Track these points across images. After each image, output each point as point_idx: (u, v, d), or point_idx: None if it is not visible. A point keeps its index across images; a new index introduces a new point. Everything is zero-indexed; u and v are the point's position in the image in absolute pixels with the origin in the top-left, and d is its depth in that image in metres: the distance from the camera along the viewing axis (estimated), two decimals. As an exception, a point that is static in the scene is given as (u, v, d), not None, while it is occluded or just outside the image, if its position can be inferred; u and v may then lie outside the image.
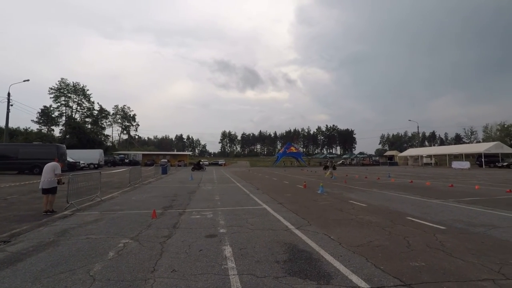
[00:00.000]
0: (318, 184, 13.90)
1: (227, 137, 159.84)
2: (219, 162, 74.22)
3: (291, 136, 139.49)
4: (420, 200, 10.29)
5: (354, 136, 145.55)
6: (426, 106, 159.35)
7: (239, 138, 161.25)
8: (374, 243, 5.06)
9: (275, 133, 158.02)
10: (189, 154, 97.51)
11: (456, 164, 44.05)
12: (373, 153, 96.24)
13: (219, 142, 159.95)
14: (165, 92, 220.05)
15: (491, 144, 49.39)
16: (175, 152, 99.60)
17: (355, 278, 3.55)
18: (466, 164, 42.58)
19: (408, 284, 3.39)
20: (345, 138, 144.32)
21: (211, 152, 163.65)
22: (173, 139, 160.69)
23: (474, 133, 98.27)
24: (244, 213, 7.93)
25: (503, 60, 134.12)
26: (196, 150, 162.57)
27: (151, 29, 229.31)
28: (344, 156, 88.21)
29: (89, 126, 77.32)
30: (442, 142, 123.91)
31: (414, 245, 4.92)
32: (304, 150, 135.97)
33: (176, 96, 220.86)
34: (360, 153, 79.68)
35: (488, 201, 9.86)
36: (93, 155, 40.26)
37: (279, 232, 5.87)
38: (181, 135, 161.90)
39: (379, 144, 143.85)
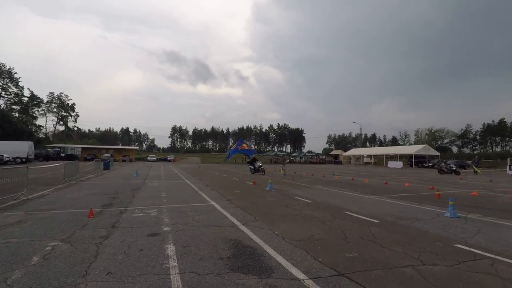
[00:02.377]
0: (267, 181, 14.20)
1: (178, 132, 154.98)
2: (168, 158, 71.75)
3: (244, 133, 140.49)
4: (358, 196, 11.11)
5: (303, 135, 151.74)
6: (369, 110, 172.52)
7: (190, 133, 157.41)
8: (315, 236, 5.33)
9: (227, 130, 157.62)
10: (136, 149, 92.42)
11: (391, 164, 48.49)
12: (321, 152, 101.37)
13: (169, 137, 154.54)
14: (110, 81, 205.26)
15: (420, 146, 55.47)
16: (120, 147, 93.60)
17: (294, 271, 3.69)
18: (399, 164, 47.13)
19: (342, 273, 3.63)
20: (296, 137, 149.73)
21: (160, 147, 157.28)
22: (118, 133, 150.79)
23: (408, 136, 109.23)
24: (191, 210, 7.76)
25: (430, 72, 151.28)
26: (144, 145, 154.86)
27: (98, 11, 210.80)
28: (294, 154, 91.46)
29: (17, 115, 68.61)
30: (381, 144, 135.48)
31: (350, 237, 5.29)
32: (256, 147, 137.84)
33: (123, 86, 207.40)
34: (309, 152, 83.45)
35: (415, 197, 11.02)
36: (21, 148, 35.70)
37: (225, 228, 5.85)
38: (128, 128, 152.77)
39: (326, 143, 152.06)
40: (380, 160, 62.36)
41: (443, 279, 3.48)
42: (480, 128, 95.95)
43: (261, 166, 23.68)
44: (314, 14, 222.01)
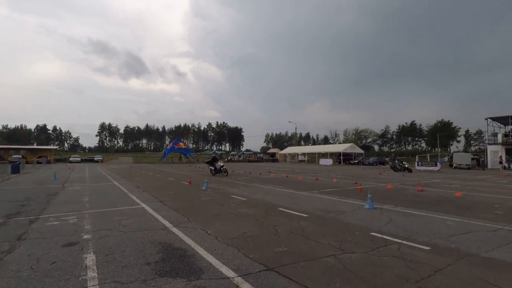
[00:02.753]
0: (203, 180, 13.96)
1: (107, 130, 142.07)
2: (95, 158, 65.33)
3: (181, 132, 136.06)
4: (292, 193, 11.66)
5: (242, 134, 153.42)
6: (304, 110, 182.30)
7: (121, 131, 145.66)
8: (248, 234, 5.40)
9: (163, 128, 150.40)
10: (55, 149, 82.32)
11: (322, 161, 52.17)
12: (259, 151, 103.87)
13: (97, 135, 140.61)
14: (22, 70, 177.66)
15: (348, 145, 60.81)
16: (35, 146, 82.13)
17: (225, 270, 3.67)
18: (329, 161, 50.93)
19: (271, 268, 3.74)
20: (234, 136, 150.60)
21: (85, 147, 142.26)
22: (33, 130, 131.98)
23: (337, 135, 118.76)
24: (118, 215, 7.18)
25: (360, 78, 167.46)
26: (66, 144, 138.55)
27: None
28: (232, 152, 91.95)
29: None
30: (315, 142, 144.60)
31: (281, 232, 5.50)
32: (194, 146, 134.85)
33: (38, 76, 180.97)
34: (247, 150, 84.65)
35: (342, 191, 12.01)
36: None
37: (155, 232, 5.56)
38: (45, 125, 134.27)
39: (264, 142, 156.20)
40: (313, 158, 66.53)
41: (359, 265, 3.84)
42: (396, 129, 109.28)
43: (223, 166, 20.78)
44: (255, 14, 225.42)
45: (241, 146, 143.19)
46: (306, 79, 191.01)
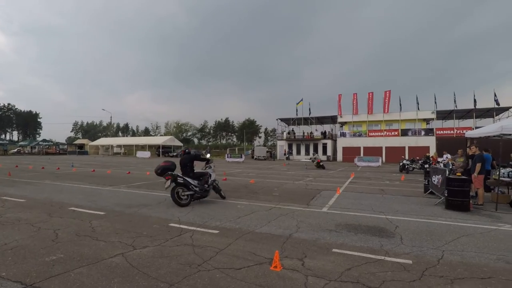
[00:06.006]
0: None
1: None
2: None
3: None
4: (93, 189, 10.20)
5: (39, 120, 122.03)
6: (123, 99, 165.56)
7: None
8: (10, 245, 4.14)
9: None
10: None
11: (140, 154, 49.59)
12: (64, 141, 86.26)
13: None
14: None
15: (168, 137, 60.90)
16: None
17: None
18: (147, 154, 49.15)
19: (30, 284, 2.96)
20: (27, 122, 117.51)
21: None
22: None
23: (159, 128, 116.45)
24: None
25: (178, 70, 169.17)
26: None
27: None
28: (21, 143, 71.62)
29: None
30: (134, 134, 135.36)
31: (63, 236, 4.58)
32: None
33: None
34: (44, 140, 68.27)
35: (151, 184, 11.65)
36: None
37: None
38: None
39: (72, 131, 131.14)
40: (130, 150, 62.10)
41: (147, 259, 3.70)
42: (213, 124, 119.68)
43: None
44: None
45: (38, 135, 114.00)
46: (126, 66, 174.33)
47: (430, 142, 35.07)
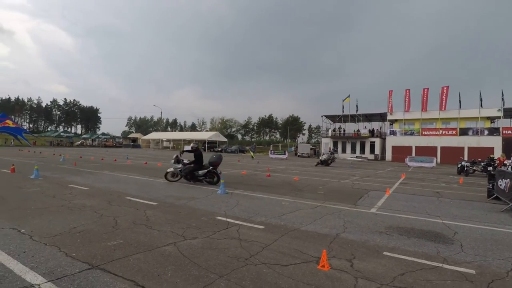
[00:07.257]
0: (33, 167, 11.24)
1: None
2: None
3: (11, 106, 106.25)
4: (146, 180, 10.92)
5: (99, 115, 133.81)
6: (172, 95, 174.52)
7: None
8: (78, 229, 4.59)
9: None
10: None
11: (187, 147, 52.13)
12: (119, 135, 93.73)
13: None
14: None
15: (213, 133, 63.04)
16: None
17: (30, 276, 2.93)
18: (194, 148, 51.48)
19: (96, 266, 3.25)
20: (89, 116, 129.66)
21: None
22: None
23: (205, 123, 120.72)
24: None
25: (228, 68, 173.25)
26: None
27: None
28: (84, 136, 79.28)
29: None
30: (182, 129, 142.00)
31: (121, 224, 4.96)
32: (30, 126, 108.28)
33: None
34: (103, 134, 74.83)
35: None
36: None
37: None
38: None
39: (126, 126, 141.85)
40: (178, 144, 65.39)
41: (197, 250, 3.85)
42: (257, 121, 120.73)
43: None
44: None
45: (98, 129, 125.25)
46: (176, 63, 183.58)
47: (494, 142, 31.57)
